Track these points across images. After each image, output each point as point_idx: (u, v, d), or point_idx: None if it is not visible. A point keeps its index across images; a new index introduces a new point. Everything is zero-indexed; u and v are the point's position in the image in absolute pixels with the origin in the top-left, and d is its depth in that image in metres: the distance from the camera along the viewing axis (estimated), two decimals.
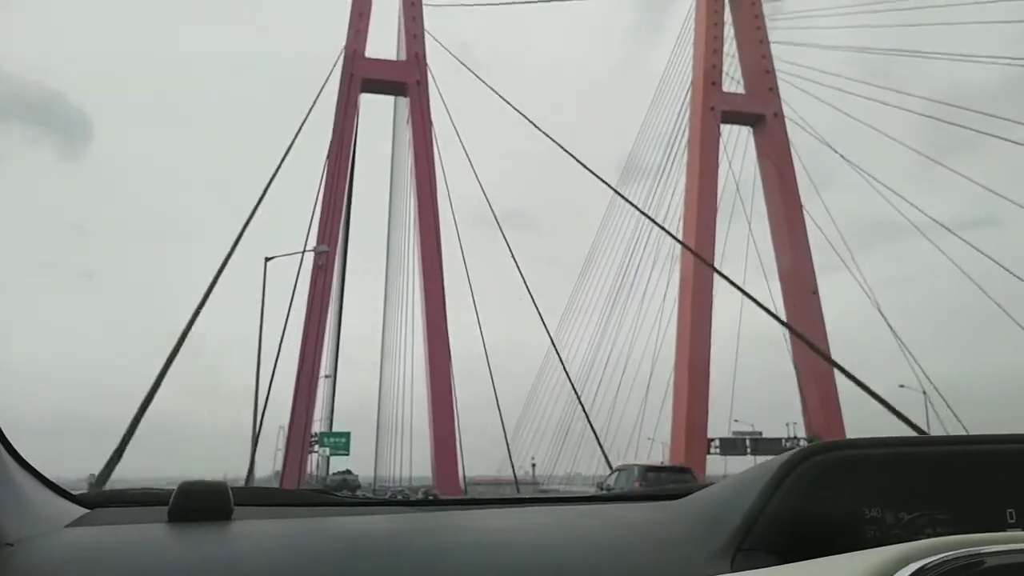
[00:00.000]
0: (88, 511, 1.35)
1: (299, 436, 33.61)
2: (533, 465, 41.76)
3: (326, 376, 40.79)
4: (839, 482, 1.05)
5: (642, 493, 1.78)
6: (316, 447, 38.57)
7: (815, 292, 36.21)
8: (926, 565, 0.72)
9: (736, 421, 35.13)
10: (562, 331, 38.98)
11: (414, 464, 38.50)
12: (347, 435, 39.44)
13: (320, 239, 34.10)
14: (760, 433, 36.60)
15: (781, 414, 38.86)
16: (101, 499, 1.42)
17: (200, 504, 1.25)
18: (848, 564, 0.79)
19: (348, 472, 39.42)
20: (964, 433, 1.34)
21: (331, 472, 39.67)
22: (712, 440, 35.48)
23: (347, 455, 38.63)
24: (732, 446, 35.58)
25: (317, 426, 39.71)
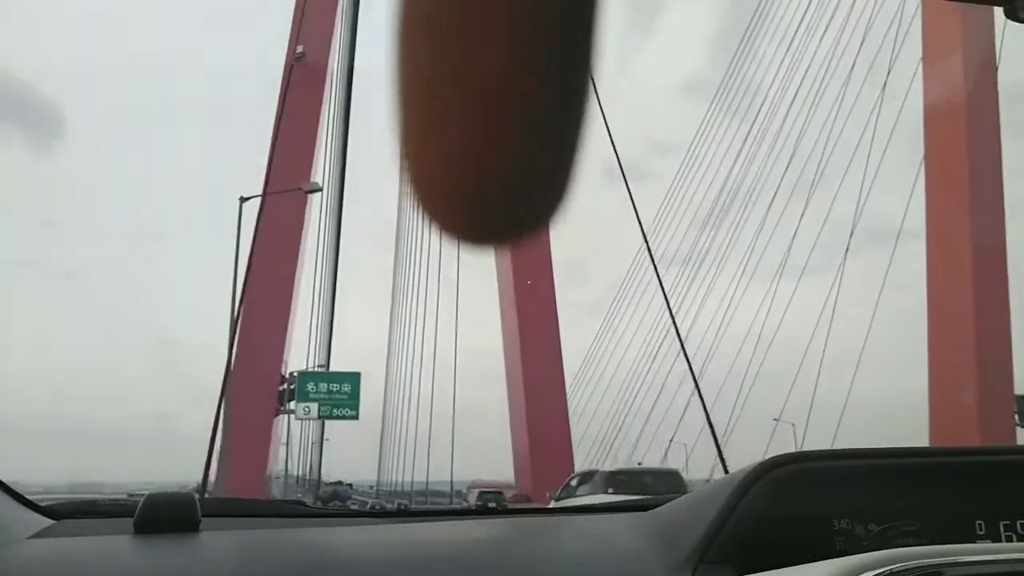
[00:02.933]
0: (53, 522, 1.34)
1: (251, 384, 18.08)
2: None
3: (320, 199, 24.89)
4: (806, 493, 1.04)
5: (612, 504, 1.78)
6: (291, 405, 21.17)
7: None
8: (881, 575, 0.73)
9: None
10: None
11: (433, 467, 30.22)
12: (354, 379, 22.31)
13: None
14: None
15: None
16: (67, 510, 1.41)
17: (167, 515, 1.25)
18: (805, 575, 0.80)
19: (339, 484, 32.11)
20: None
21: (324, 481, 31.99)
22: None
23: (355, 416, 22.21)
24: None
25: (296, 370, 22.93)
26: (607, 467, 16.58)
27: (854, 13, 23.28)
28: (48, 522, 1.34)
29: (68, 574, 1.06)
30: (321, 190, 24.34)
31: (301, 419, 22.16)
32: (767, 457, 1.09)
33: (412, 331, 33.01)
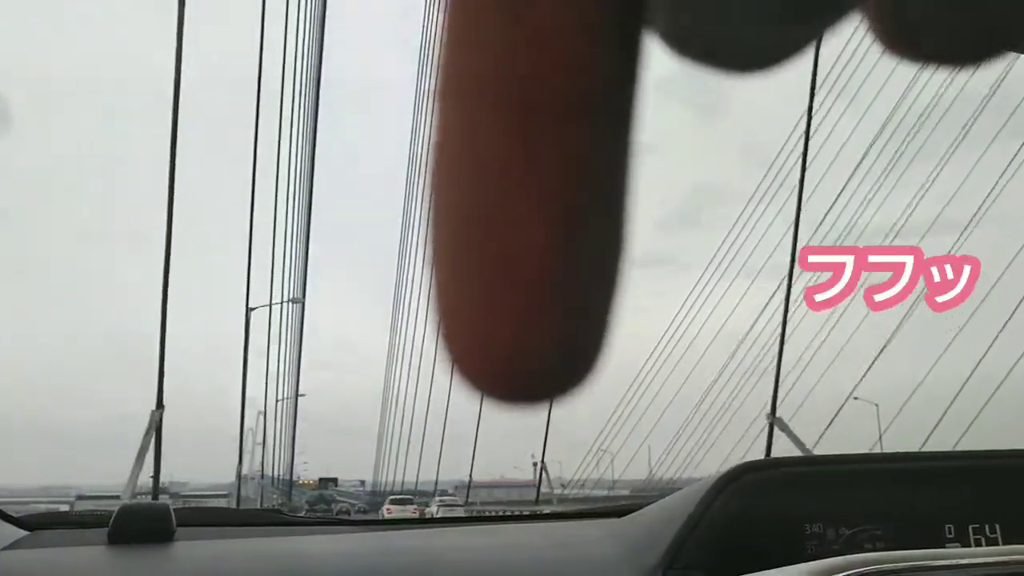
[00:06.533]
0: (27, 533, 1.33)
1: None
2: (534, 465, 34.43)
3: None
4: (777, 498, 1.05)
5: (587, 511, 1.79)
6: None
7: None
8: None
9: None
10: None
11: (436, 467, 27.51)
12: None
13: None
14: None
15: None
16: (41, 521, 1.40)
17: (141, 525, 1.24)
18: None
19: (324, 486, 31.18)
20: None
21: (297, 478, 30.50)
22: None
23: None
24: None
25: None
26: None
27: None
28: (21, 533, 1.32)
29: None
30: None
31: None
32: (740, 462, 1.10)
33: (415, 324, 29.26)
